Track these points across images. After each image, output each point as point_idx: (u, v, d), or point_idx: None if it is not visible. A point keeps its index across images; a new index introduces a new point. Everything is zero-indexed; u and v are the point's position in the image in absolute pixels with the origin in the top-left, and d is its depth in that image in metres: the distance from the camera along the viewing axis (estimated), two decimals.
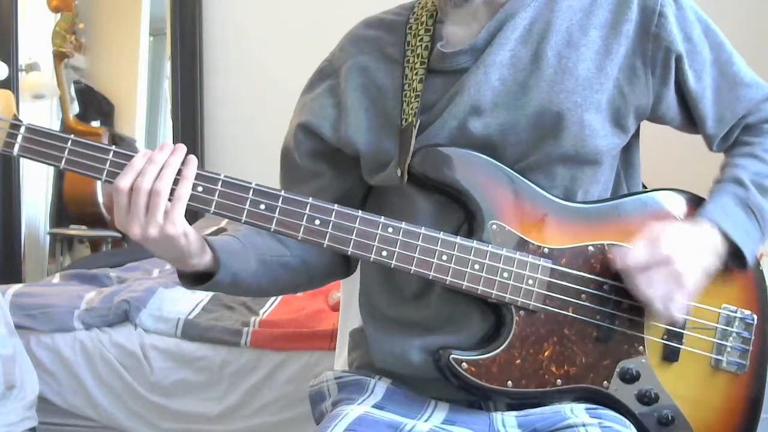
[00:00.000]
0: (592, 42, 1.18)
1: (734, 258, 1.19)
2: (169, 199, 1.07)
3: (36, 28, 3.84)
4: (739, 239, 1.17)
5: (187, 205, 1.10)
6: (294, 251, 1.28)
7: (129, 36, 4.03)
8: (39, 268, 3.82)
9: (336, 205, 1.13)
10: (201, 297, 2.79)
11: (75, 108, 3.93)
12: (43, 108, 3.86)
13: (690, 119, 1.25)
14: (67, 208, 3.82)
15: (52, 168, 3.88)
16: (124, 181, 1.07)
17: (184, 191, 1.08)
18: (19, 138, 1.08)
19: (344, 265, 1.35)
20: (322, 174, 1.29)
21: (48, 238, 3.91)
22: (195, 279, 1.19)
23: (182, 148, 1.10)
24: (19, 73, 3.68)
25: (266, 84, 3.59)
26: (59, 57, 3.82)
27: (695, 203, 1.23)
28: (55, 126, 3.87)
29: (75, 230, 3.88)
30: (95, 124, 3.99)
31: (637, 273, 1.12)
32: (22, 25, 3.69)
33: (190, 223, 1.11)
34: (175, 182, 1.08)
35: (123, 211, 1.08)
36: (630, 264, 1.13)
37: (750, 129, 1.27)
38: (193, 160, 1.10)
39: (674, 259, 1.12)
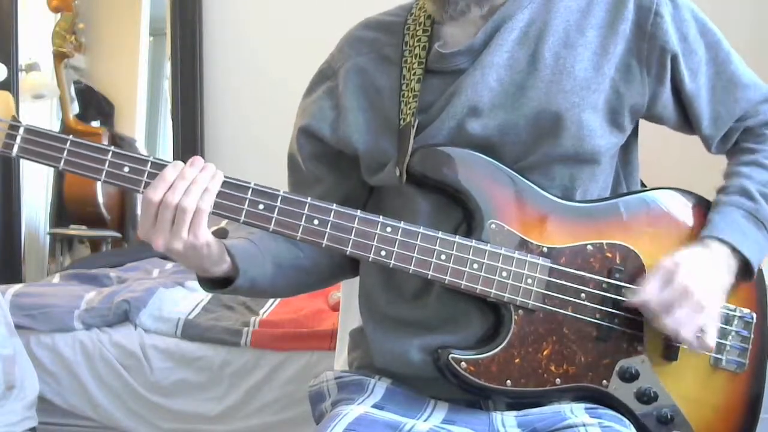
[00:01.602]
0: (589, 42, 1.18)
1: (743, 270, 1.19)
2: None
3: (36, 28, 3.83)
4: (751, 255, 1.17)
5: None
6: (307, 253, 1.29)
7: (129, 36, 4.03)
8: (39, 268, 3.82)
9: (334, 204, 1.13)
10: (201, 297, 2.80)
11: (75, 108, 3.93)
12: (43, 108, 3.86)
13: (686, 119, 1.25)
14: (67, 208, 3.81)
15: (51, 168, 3.87)
16: (155, 194, 1.07)
17: (206, 205, 1.09)
18: (18, 139, 1.08)
19: (354, 262, 1.35)
20: (326, 177, 1.30)
21: (48, 238, 3.90)
22: (213, 282, 1.21)
23: (212, 166, 1.11)
24: (19, 73, 3.68)
25: (266, 84, 3.59)
26: (59, 57, 3.82)
27: (694, 202, 1.24)
28: (55, 126, 3.87)
29: (75, 230, 3.88)
30: (95, 124, 3.99)
31: (661, 314, 1.12)
32: (22, 25, 3.69)
33: None
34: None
35: (149, 223, 1.09)
36: (652, 306, 1.13)
37: (751, 133, 1.26)
38: (220, 174, 1.11)
39: (693, 291, 1.12)
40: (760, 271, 1.25)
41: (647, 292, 1.13)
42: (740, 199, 1.20)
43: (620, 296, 1.17)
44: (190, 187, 1.08)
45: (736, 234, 1.18)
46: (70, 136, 1.09)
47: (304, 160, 1.30)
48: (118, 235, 3.88)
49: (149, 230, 1.09)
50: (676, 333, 1.13)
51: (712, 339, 1.15)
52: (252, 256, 1.22)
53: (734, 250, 1.17)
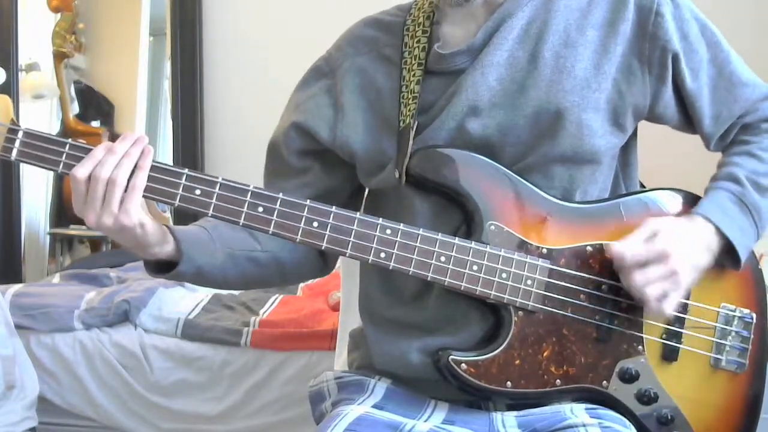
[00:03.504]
0: (589, 42, 1.18)
1: (728, 255, 1.19)
2: (126, 190, 1.08)
3: (36, 28, 3.83)
4: (732, 235, 1.17)
5: (187, 208, 1.10)
6: (265, 246, 1.27)
7: (129, 36, 4.02)
8: (39, 268, 3.81)
9: (334, 207, 1.13)
10: (201, 297, 2.80)
11: (75, 108, 3.92)
12: (43, 108, 3.86)
13: (688, 119, 1.25)
14: (67, 208, 3.81)
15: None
16: (81, 171, 1.07)
17: (140, 181, 1.08)
18: (17, 143, 1.08)
19: (319, 263, 1.34)
20: (308, 171, 1.29)
21: (48, 238, 3.90)
22: (159, 267, 1.19)
23: (143, 139, 1.10)
24: (19, 73, 3.68)
25: (266, 84, 3.59)
26: (59, 57, 3.82)
27: (693, 203, 1.23)
28: (55, 126, 3.87)
29: (75, 230, 3.88)
30: (95, 124, 3.99)
31: (634, 269, 1.12)
32: (22, 25, 3.69)
33: None
34: (132, 173, 1.08)
35: (80, 200, 1.09)
36: (627, 259, 1.13)
37: (748, 128, 1.27)
38: (149, 150, 1.10)
39: (671, 257, 1.12)
40: (760, 271, 1.25)
41: (626, 245, 1.13)
42: (727, 183, 1.21)
43: (620, 297, 1.17)
44: (121, 161, 1.08)
45: (719, 214, 1.18)
46: (69, 140, 1.09)
47: (289, 154, 1.29)
48: None
49: (81, 207, 1.09)
50: (641, 289, 1.12)
51: (671, 306, 1.14)
52: (200, 242, 1.20)
53: (717, 230, 1.17)
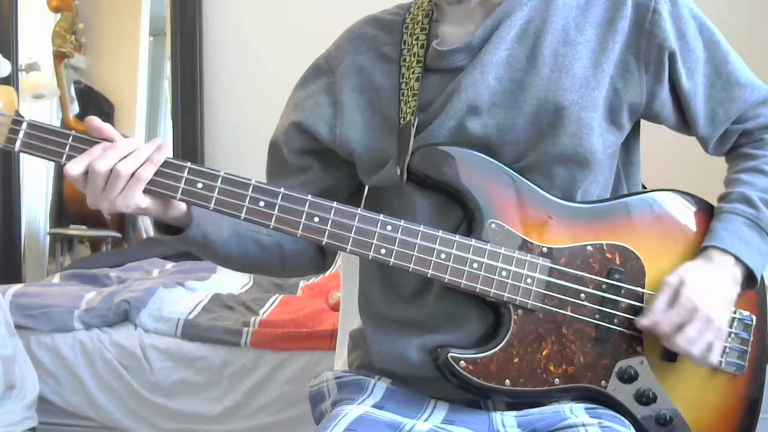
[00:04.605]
0: (588, 40, 1.18)
1: (747, 279, 1.19)
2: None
3: (36, 28, 3.84)
4: (753, 263, 1.17)
5: (188, 201, 1.10)
6: (270, 231, 1.26)
7: (129, 36, 4.03)
8: (39, 268, 3.82)
9: (335, 202, 1.13)
10: (201, 297, 2.80)
11: (75, 108, 3.93)
12: (43, 108, 3.87)
13: (685, 119, 1.25)
14: (67, 208, 3.82)
15: (52, 167, 3.89)
16: (75, 168, 1.08)
17: (146, 173, 1.08)
18: (21, 134, 1.09)
19: (318, 258, 1.35)
20: (309, 169, 1.29)
21: (48, 238, 3.90)
22: (168, 230, 1.19)
23: (156, 141, 1.10)
24: (19, 73, 3.68)
25: (266, 84, 3.59)
26: (59, 57, 3.83)
27: (694, 203, 1.23)
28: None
29: (75, 230, 3.88)
30: None
31: (672, 336, 1.13)
32: (22, 25, 3.70)
33: None
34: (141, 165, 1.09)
35: (83, 188, 1.10)
36: (662, 328, 1.13)
37: (749, 137, 1.26)
38: (165, 147, 1.10)
39: (701, 306, 1.13)
40: None
41: (655, 314, 1.14)
42: (742, 206, 1.20)
43: (620, 297, 1.17)
44: (128, 156, 1.08)
45: (739, 243, 1.17)
46: (72, 131, 1.10)
47: (289, 152, 1.29)
48: (118, 235, 3.88)
49: (94, 199, 1.10)
50: (687, 351, 1.13)
51: (716, 356, 1.16)
52: (209, 213, 1.18)
53: (738, 260, 1.17)
